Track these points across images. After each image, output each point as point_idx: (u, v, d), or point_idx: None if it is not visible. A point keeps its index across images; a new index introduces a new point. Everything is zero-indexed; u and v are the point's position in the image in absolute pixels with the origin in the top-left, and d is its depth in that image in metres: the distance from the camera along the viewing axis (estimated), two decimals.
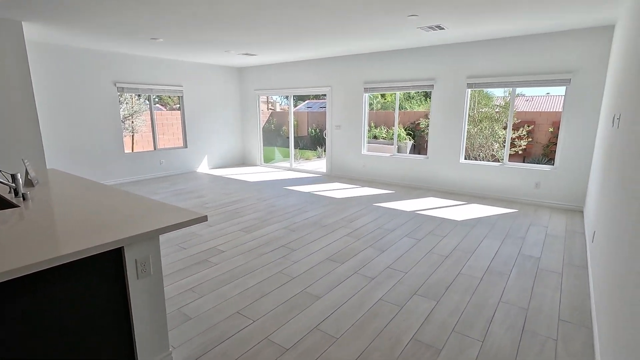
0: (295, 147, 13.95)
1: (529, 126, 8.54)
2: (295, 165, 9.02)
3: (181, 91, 7.90)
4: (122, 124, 9.08)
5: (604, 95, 4.54)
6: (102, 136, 6.72)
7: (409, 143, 10.65)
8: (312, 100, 15.80)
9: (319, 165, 9.55)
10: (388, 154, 7.05)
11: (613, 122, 3.03)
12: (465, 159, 6.29)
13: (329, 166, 7.90)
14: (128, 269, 1.73)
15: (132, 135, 9.46)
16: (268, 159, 10.37)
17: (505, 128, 8.63)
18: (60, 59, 6.05)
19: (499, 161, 6.17)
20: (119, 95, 7.23)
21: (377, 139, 11.52)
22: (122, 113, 9.26)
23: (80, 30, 4.96)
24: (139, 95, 9.00)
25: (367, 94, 7.12)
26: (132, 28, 4.87)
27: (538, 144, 8.96)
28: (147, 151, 7.60)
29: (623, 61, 3.06)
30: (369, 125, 11.40)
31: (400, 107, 12.58)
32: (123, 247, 1.69)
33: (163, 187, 6.74)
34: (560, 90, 5.37)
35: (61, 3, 3.73)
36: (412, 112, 11.95)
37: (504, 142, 8.51)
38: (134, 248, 1.74)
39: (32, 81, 5.72)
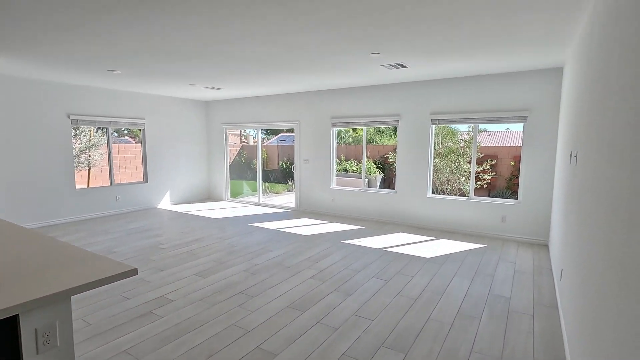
0: (266, 180, 13.74)
1: (492, 160, 8.81)
2: (263, 200, 8.74)
3: (143, 124, 7.59)
4: (77, 157, 8.59)
5: (559, 132, 4.70)
6: (50, 171, 6.21)
7: (379, 177, 10.70)
8: (285, 134, 15.82)
9: (288, 199, 9.32)
10: (357, 189, 6.96)
11: (570, 159, 3.05)
12: (433, 193, 6.29)
13: (298, 201, 7.69)
14: (24, 342, 1.39)
15: (89, 170, 8.92)
16: (236, 194, 10.03)
17: (470, 162, 8.87)
18: (7, 90, 5.65)
19: (465, 195, 6.21)
20: (73, 127, 6.83)
21: (347, 172, 11.51)
22: (78, 146, 8.76)
23: (28, 60, 4.66)
24: (99, 128, 8.57)
25: (335, 129, 7.11)
26: (86, 59, 4.63)
27: (501, 177, 9.23)
28: (103, 187, 7.11)
29: (575, 101, 3.15)
30: (340, 159, 11.45)
31: (371, 141, 12.78)
32: (18, 314, 1.37)
33: (117, 225, 6.23)
34: (519, 126, 5.56)
35: (4, 31, 3.47)
36: (382, 146, 12.15)
37: (469, 175, 8.74)
38: (34, 315, 1.41)
39: None
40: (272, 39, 3.67)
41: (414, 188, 6.24)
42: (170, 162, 8.23)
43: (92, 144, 8.74)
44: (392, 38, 3.59)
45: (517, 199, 5.47)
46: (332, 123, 7.04)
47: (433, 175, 6.23)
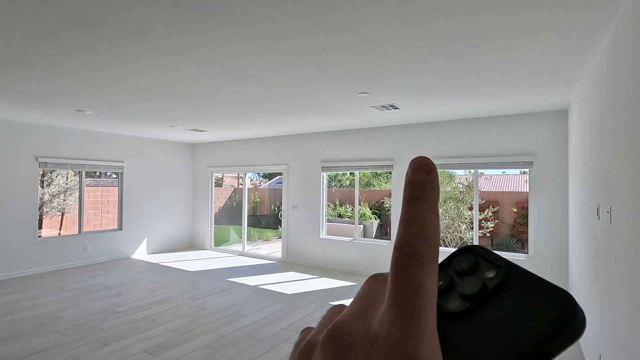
0: (257, 225, 13.05)
1: (494, 207, 8.28)
2: (249, 248, 8.06)
3: (121, 167, 7.12)
4: (49, 202, 8.00)
5: (570, 179, 4.22)
6: (11, 218, 5.61)
7: (375, 223, 10.09)
8: (281, 176, 15.40)
9: (276, 247, 8.63)
10: (349, 239, 6.34)
11: (598, 214, 2.52)
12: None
13: (285, 251, 7.02)
14: None
15: (62, 215, 8.30)
16: (221, 241, 9.34)
17: (471, 209, 8.33)
18: None
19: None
20: (48, 170, 6.33)
21: (342, 217, 10.91)
22: (54, 189, 8.22)
23: None
24: (77, 171, 8.09)
25: (325, 173, 6.65)
26: (51, 98, 4.24)
27: (504, 224, 8.66)
28: (70, 235, 6.47)
29: (596, 146, 2.68)
30: (334, 203, 10.89)
31: (367, 184, 12.30)
32: None
33: (78, 280, 5.52)
34: (516, 170, 5.09)
35: None
36: (378, 190, 11.66)
37: (471, 223, 8.16)
38: None
39: None
40: (248, 76, 3.29)
41: None
42: (150, 208, 7.65)
43: (68, 188, 8.20)
44: (381, 75, 3.21)
45: (525, 251, 4.86)
46: (322, 167, 6.58)
47: None
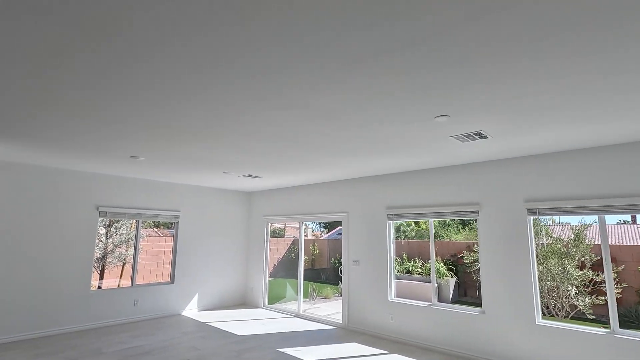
0: (315, 280, 12.07)
1: (617, 266, 6.40)
2: (306, 307, 7.12)
3: (177, 216, 6.92)
4: (111, 253, 8.06)
5: None
6: (65, 270, 5.48)
7: (452, 281, 8.55)
8: (342, 226, 14.55)
9: (335, 308, 7.55)
10: (425, 303, 5.11)
11: None
12: (545, 315, 4.23)
13: (346, 315, 5.94)
14: None
15: (123, 265, 8.28)
16: (277, 297, 8.52)
17: (581, 267, 6.56)
18: (25, 180, 5.36)
19: (587, 316, 4.04)
20: (108, 220, 6.34)
21: (411, 273, 9.51)
22: (116, 239, 8.32)
23: (50, 150, 4.28)
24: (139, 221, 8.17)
25: (391, 222, 5.68)
26: (104, 146, 4.11)
27: (629, 288, 6.63)
28: (123, 288, 6.20)
29: None
30: (401, 258, 9.61)
31: (436, 236, 10.83)
32: None
33: (120, 340, 5.03)
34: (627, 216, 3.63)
35: (9, 117, 2.99)
36: (452, 242, 10.16)
37: (584, 285, 6.36)
38: None
39: None
40: (306, 108, 2.69)
41: (512, 307, 4.28)
42: (202, 260, 7.25)
43: (129, 238, 8.25)
44: (468, 88, 2.38)
45: None
46: (387, 215, 5.64)
47: (539, 289, 4.25)
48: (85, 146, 4.18)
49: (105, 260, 8.07)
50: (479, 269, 4.67)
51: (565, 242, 6.85)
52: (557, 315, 6.33)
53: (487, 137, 3.56)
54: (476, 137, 3.54)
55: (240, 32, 1.78)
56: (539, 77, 2.25)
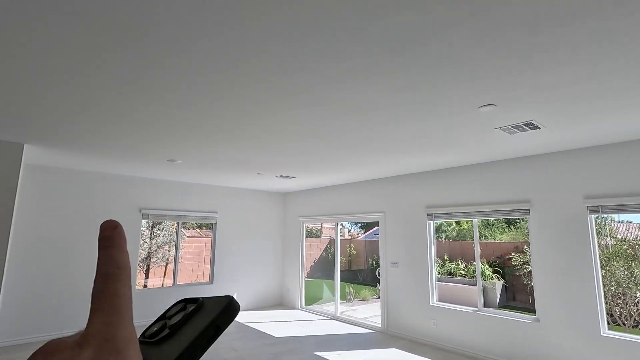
0: (353, 281, 11.87)
1: None
2: (343, 309, 6.97)
3: (215, 218, 7.05)
4: (154, 253, 8.41)
5: None
6: None
7: (499, 284, 8.02)
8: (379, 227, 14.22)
9: (374, 310, 7.33)
10: (471, 309, 4.77)
11: None
12: (610, 325, 3.76)
13: (385, 319, 5.72)
14: None
15: (166, 266, 8.60)
16: (314, 299, 8.46)
17: None
18: (74, 185, 5.66)
19: None
20: (152, 222, 6.59)
21: (453, 275, 9.06)
22: (159, 240, 8.65)
23: (90, 154, 4.49)
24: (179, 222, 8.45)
25: (431, 222, 5.38)
26: (141, 149, 4.23)
27: None
28: (165, 288, 6.41)
29: None
30: (442, 259, 9.17)
31: (479, 236, 10.23)
32: None
33: None
34: None
35: (62, 127, 3.14)
36: (496, 242, 9.55)
37: None
38: None
39: (37, 211, 5.25)
40: (318, 97, 2.56)
41: (572, 316, 3.85)
42: (240, 260, 7.33)
43: (171, 239, 8.54)
44: (517, 72, 2.12)
45: None
46: (427, 214, 5.35)
47: (604, 298, 3.79)
48: (123, 150, 4.33)
49: (150, 260, 8.42)
50: (530, 271, 4.28)
51: (632, 243, 6.15)
52: (624, 324, 5.67)
53: (539, 128, 3.22)
54: (526, 127, 3.22)
55: (273, 24, 1.68)
56: (599, 60, 1.95)
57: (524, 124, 3.14)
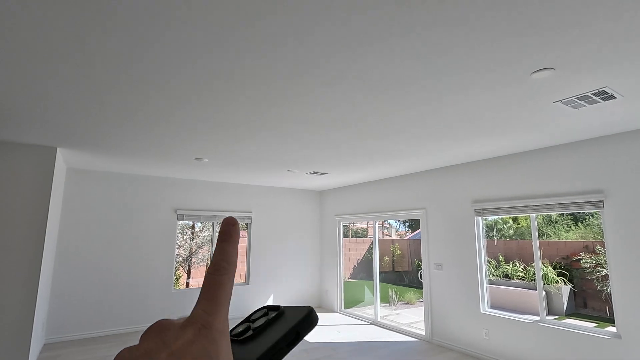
0: (397, 283, 11.26)
1: None
2: (385, 313, 6.53)
3: (250, 217, 6.94)
4: (195, 253, 8.54)
5: None
6: (148, 270, 5.83)
7: (565, 289, 7.04)
8: None
9: (419, 316, 6.76)
10: (531, 318, 4.10)
11: None
12: None
13: (429, 326, 5.17)
14: None
15: (206, 266, 8.70)
16: (355, 301, 8.05)
17: None
18: (114, 187, 5.80)
19: None
20: (192, 222, 6.64)
21: (509, 278, 8.15)
22: (199, 241, 8.78)
23: (122, 156, 4.52)
24: (214, 222, 8.51)
25: (480, 218, 4.75)
26: (168, 149, 4.16)
27: None
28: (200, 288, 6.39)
29: None
30: (497, 260, 8.30)
31: (541, 234, 9.11)
32: None
33: None
34: None
35: (74, 124, 3.13)
36: (561, 242, 8.44)
37: None
38: None
39: (73, 210, 5.43)
40: (357, 71, 2.19)
41: None
42: (277, 261, 7.16)
43: (210, 239, 8.63)
44: (586, 22, 1.59)
45: None
46: (475, 210, 4.74)
47: None
48: (148, 150, 4.28)
49: (191, 260, 8.57)
50: (606, 275, 3.54)
51: None
52: None
53: (614, 97, 2.57)
54: (597, 98, 2.58)
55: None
56: None
57: (593, 94, 2.52)
